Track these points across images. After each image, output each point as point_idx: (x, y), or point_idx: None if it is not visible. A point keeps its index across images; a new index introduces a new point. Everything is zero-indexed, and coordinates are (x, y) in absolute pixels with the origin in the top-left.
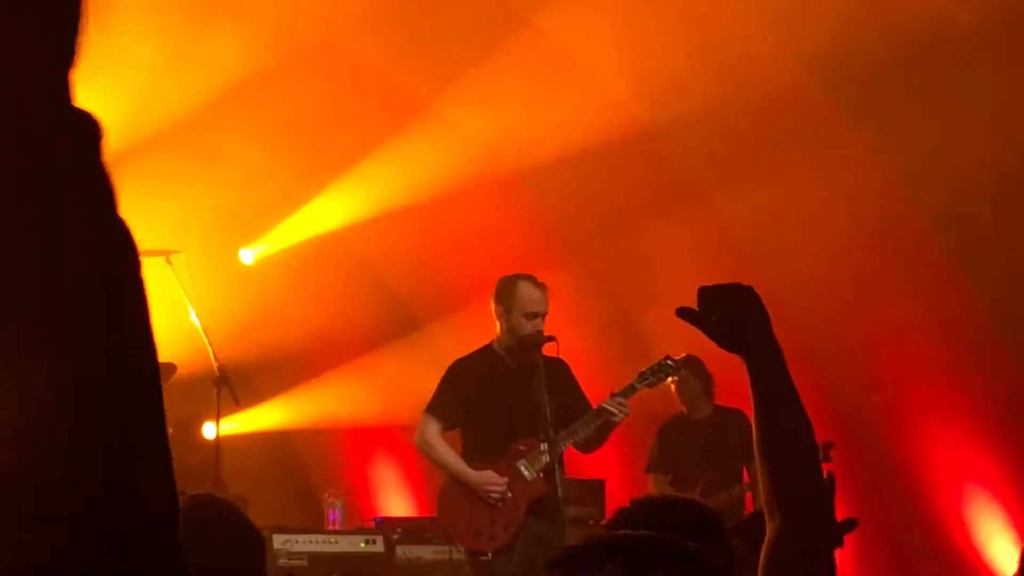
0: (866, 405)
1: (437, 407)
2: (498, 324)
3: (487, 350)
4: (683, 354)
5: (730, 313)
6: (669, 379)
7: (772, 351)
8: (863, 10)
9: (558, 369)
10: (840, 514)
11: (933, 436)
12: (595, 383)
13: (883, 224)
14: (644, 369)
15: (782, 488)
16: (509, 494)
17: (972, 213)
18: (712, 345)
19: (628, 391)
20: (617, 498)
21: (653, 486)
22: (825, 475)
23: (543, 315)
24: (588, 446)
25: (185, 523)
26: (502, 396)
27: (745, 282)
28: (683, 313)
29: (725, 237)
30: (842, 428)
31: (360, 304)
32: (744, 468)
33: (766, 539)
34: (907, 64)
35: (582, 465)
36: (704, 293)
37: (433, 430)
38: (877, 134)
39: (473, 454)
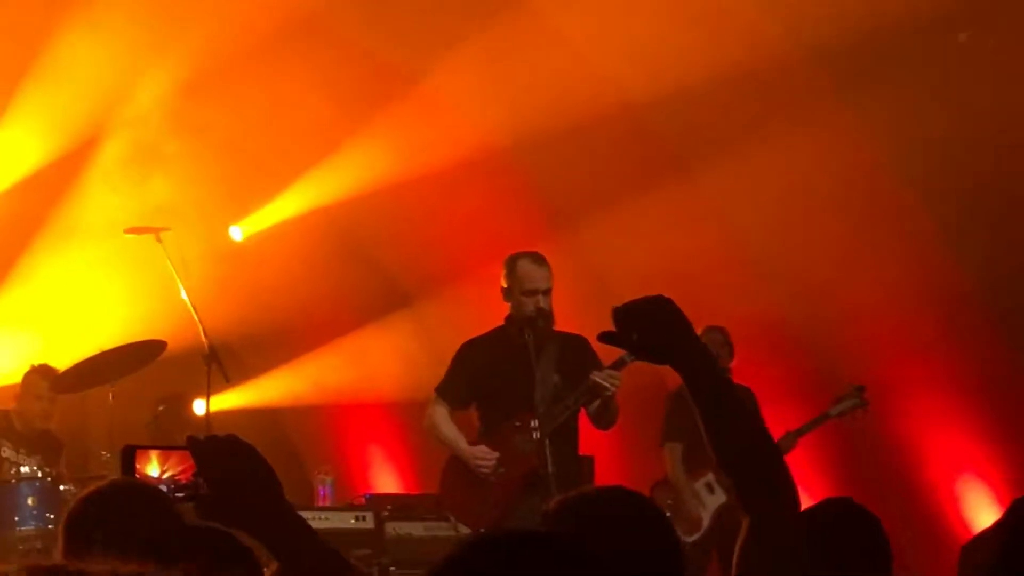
0: (852, 379)
1: (444, 389)
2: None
3: (499, 329)
4: None
5: (649, 328)
6: None
7: (699, 356)
8: None
9: (573, 346)
10: (835, 491)
11: (921, 411)
12: None
13: (871, 197)
14: None
15: (746, 487)
16: (502, 469)
17: (960, 187)
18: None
19: (618, 364)
20: (607, 474)
21: (668, 455)
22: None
23: (544, 291)
24: (598, 421)
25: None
26: (508, 374)
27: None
28: (604, 337)
29: (713, 211)
30: (828, 402)
31: (349, 281)
32: None
33: (740, 535)
34: (896, 38)
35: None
36: (618, 313)
37: (440, 411)
38: (865, 108)
39: (484, 432)
